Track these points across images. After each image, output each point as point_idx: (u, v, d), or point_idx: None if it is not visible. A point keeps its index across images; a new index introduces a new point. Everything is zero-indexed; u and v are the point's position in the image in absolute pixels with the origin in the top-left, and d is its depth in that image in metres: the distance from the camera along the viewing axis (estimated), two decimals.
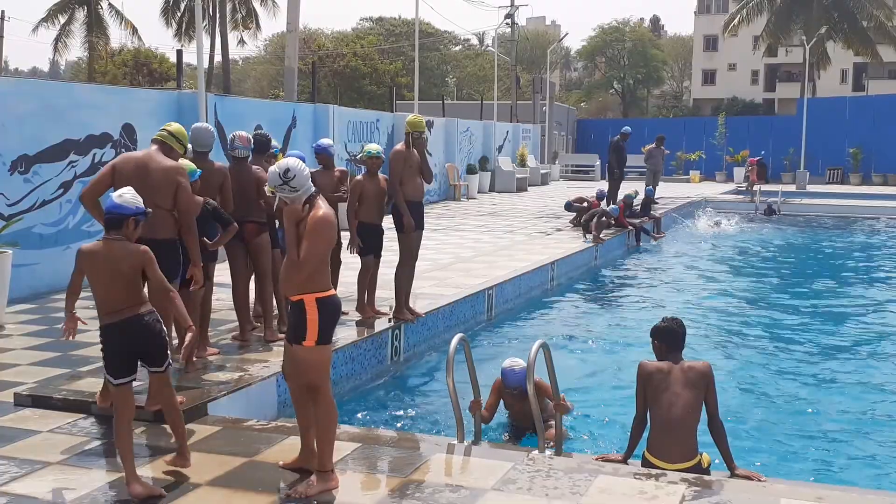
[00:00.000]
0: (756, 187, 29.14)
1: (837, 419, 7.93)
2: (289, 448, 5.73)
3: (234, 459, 5.50)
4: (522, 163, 33.24)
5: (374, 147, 9.10)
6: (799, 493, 5.15)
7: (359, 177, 9.07)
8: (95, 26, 47.09)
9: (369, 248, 9.15)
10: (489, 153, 30.54)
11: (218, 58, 47.96)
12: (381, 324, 9.06)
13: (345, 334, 8.68)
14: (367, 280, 9.24)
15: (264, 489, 5.07)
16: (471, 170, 28.28)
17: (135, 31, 48.57)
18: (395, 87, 38.78)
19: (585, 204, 19.00)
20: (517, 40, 46.06)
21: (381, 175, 9.12)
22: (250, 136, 8.47)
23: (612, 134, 27.26)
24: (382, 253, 9.39)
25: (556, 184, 36.26)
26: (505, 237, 17.31)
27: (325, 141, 9.26)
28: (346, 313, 9.21)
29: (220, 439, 5.88)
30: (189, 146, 7.12)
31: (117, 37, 64.33)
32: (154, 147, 6.59)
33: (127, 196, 5.08)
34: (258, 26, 50.43)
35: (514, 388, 6.77)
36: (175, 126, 6.71)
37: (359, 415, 7.68)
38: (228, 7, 46.99)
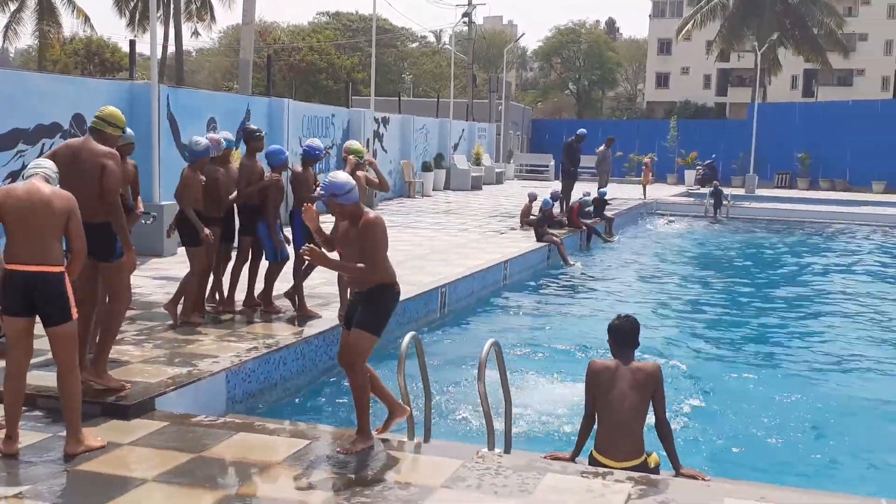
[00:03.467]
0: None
1: (782, 419, 8.07)
2: (237, 444, 5.70)
3: (181, 455, 5.45)
4: (478, 161, 33.33)
5: (356, 145, 9.08)
6: (743, 493, 5.24)
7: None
8: (47, 14, 46.13)
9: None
10: (445, 151, 30.58)
11: (171, 49, 47.36)
12: (331, 320, 9.02)
13: (293, 331, 8.65)
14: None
15: (211, 486, 5.03)
16: (426, 167, 28.29)
17: (87, 19, 47.62)
18: (351, 82, 38.67)
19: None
20: (474, 39, 46.13)
21: (360, 173, 9.06)
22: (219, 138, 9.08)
23: (567, 134, 27.41)
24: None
25: (510, 182, 36.41)
26: (459, 235, 17.35)
27: (317, 144, 9.28)
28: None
29: (166, 434, 5.82)
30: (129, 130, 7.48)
31: (69, 25, 62.94)
32: (88, 136, 6.67)
33: None
34: (213, 17, 49.84)
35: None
36: (107, 110, 6.75)
37: (308, 412, 7.66)
38: None
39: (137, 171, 8.74)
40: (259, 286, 9.41)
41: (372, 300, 5.74)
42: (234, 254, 9.41)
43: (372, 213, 5.70)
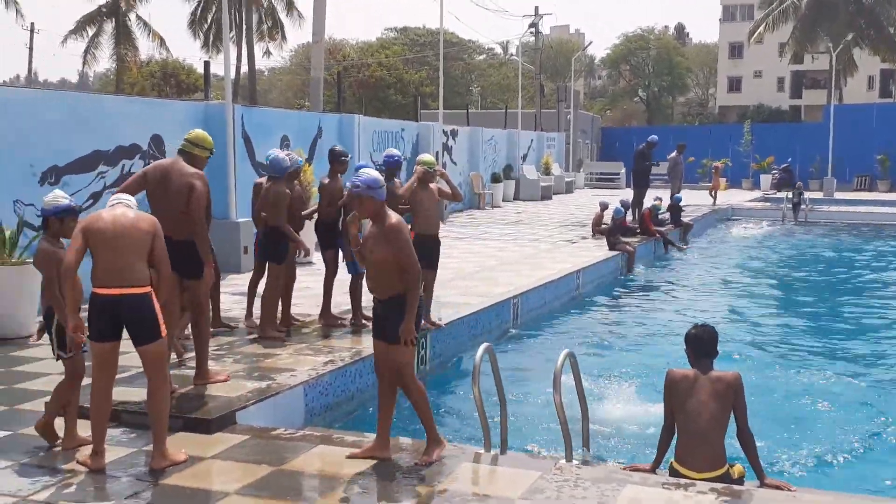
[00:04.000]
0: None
1: (870, 429, 7.84)
2: (316, 456, 5.75)
3: (261, 468, 5.52)
4: (547, 171, 33.20)
5: (428, 157, 9.10)
6: (827, 503, 5.10)
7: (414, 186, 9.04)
8: (124, 38, 47.54)
9: (425, 259, 9.09)
10: (513, 162, 30.54)
11: (244, 68, 48.30)
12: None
13: (370, 343, 8.69)
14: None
15: (292, 498, 5.09)
16: (495, 178, 28.28)
17: (162, 42, 48.95)
18: (419, 96, 38.87)
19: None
20: (541, 49, 46.05)
21: (433, 185, 9.06)
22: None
23: (637, 142, 27.21)
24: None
25: (580, 192, 36.18)
26: (530, 245, 17.29)
27: (395, 152, 9.34)
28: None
29: (247, 448, 5.91)
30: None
31: (145, 48, 64.88)
32: (178, 157, 7.04)
33: (47, 198, 5.85)
34: (283, 37, 50.65)
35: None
36: (193, 133, 7.14)
37: None
38: (255, 18, 47.29)
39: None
40: (337, 300, 9.55)
41: (395, 308, 5.59)
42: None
43: (395, 217, 5.57)
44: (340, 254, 9.44)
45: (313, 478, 5.44)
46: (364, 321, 9.17)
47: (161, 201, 6.74)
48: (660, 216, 20.34)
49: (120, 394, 6.24)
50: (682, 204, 21.71)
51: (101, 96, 14.30)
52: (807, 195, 28.81)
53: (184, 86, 51.42)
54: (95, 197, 11.51)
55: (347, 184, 5.53)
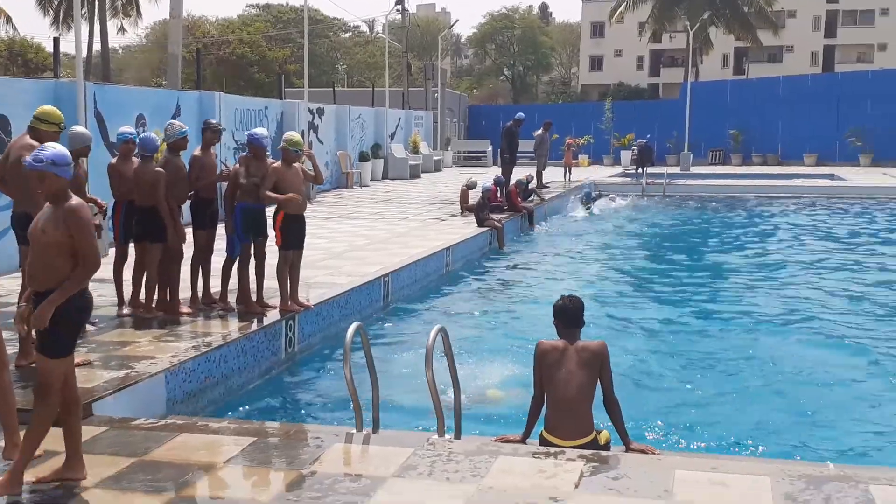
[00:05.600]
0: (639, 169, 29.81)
1: (726, 389, 8.15)
2: (180, 445, 5.54)
3: (122, 460, 5.28)
4: (415, 149, 33.20)
5: (296, 137, 8.85)
6: (693, 465, 5.25)
7: (276, 164, 8.79)
8: None
9: (295, 240, 8.91)
10: (381, 140, 30.39)
11: (97, 46, 46.37)
12: (274, 315, 8.86)
13: (235, 327, 8.48)
14: (287, 272, 9.00)
15: (156, 490, 4.87)
16: (363, 157, 28.08)
17: (9, 20, 46.31)
18: (283, 74, 38.18)
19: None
20: (408, 27, 45.91)
21: (297, 164, 8.87)
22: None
23: (504, 120, 27.48)
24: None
25: (449, 170, 36.36)
26: (400, 224, 17.23)
27: (260, 131, 9.05)
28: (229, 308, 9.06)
29: (105, 440, 5.64)
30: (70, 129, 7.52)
31: None
32: (25, 133, 7.02)
33: None
34: (139, 13, 48.92)
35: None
36: (40, 109, 7.07)
37: (254, 409, 7.51)
38: None
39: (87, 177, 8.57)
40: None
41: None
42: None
43: (76, 200, 4.81)
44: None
45: (177, 467, 5.23)
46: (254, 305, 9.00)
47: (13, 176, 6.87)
48: (529, 187, 20.76)
49: None
50: (546, 181, 22.14)
51: None
52: (664, 170, 29.77)
53: (32, 65, 48.87)
54: None
55: (28, 158, 4.90)
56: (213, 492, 5.00)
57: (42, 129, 6.88)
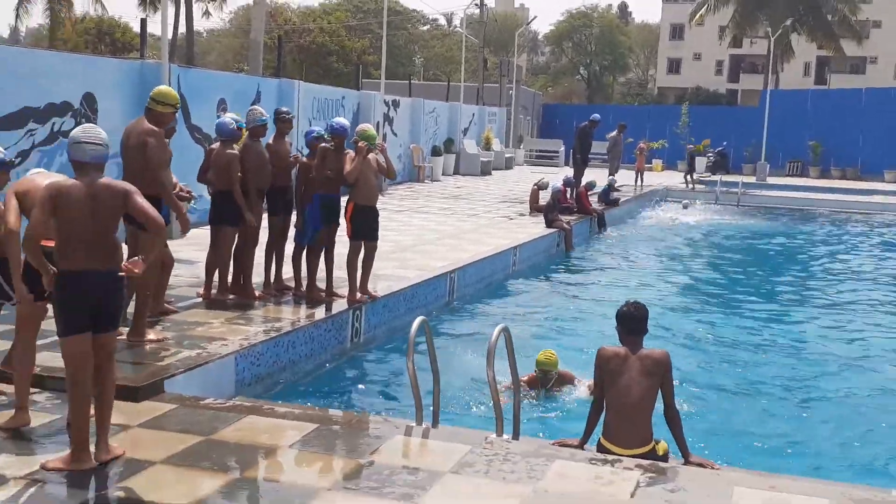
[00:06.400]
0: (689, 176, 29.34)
1: (792, 408, 8.05)
2: (246, 427, 5.70)
3: (189, 437, 5.45)
4: (488, 146, 33.21)
5: (370, 131, 8.98)
6: (752, 482, 5.22)
7: (348, 153, 8.92)
8: None
9: (367, 230, 9.06)
10: (454, 135, 30.47)
11: (182, 29, 47.26)
12: (341, 305, 9.01)
13: (304, 314, 8.65)
14: (357, 263, 9.15)
15: (220, 468, 5.03)
16: (436, 151, 28.19)
17: None
18: (361, 64, 38.52)
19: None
20: (486, 22, 45.91)
21: (371, 156, 8.98)
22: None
23: (578, 120, 27.28)
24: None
25: (520, 168, 36.30)
26: (468, 220, 17.30)
27: (342, 121, 9.14)
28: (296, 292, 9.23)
29: (175, 417, 5.82)
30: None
31: (80, 4, 63.13)
32: (142, 116, 7.29)
33: None
34: None
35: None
36: (156, 90, 7.33)
37: (318, 395, 7.66)
38: None
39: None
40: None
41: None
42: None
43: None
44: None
45: (241, 448, 5.39)
46: (321, 293, 9.15)
47: (124, 160, 7.22)
48: (612, 196, 20.87)
49: (44, 359, 6.09)
50: (618, 185, 22.07)
51: (32, 51, 13.85)
52: (740, 179, 29.22)
53: (119, 44, 50.18)
54: (23, 155, 11.16)
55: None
56: (275, 475, 5.14)
57: (158, 111, 7.12)
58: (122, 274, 4.88)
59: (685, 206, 24.36)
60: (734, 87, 72.98)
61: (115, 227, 4.93)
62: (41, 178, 5.48)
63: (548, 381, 7.89)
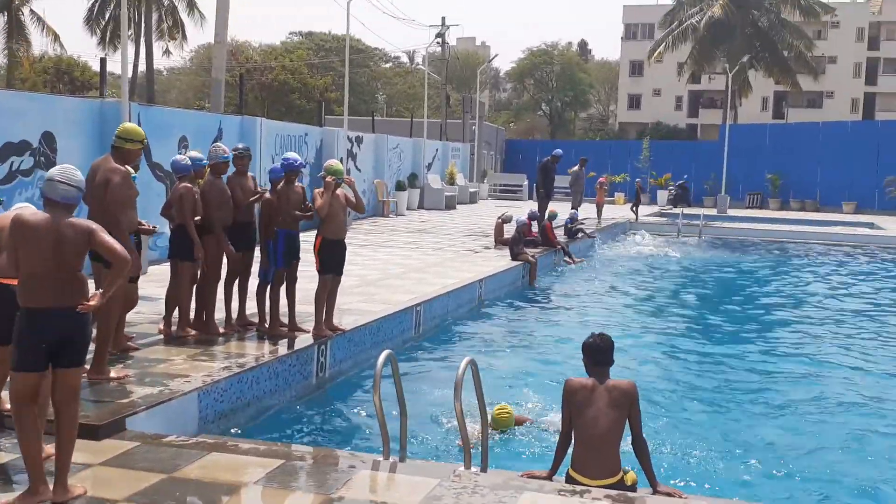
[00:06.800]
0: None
1: (759, 437, 8.08)
2: (210, 464, 5.60)
3: (152, 475, 5.35)
4: (452, 181, 33.36)
5: (338, 166, 9.00)
6: None
7: (317, 190, 8.95)
8: (16, 32, 45.76)
9: (334, 264, 9.05)
10: (418, 170, 30.59)
11: (142, 67, 47.21)
12: (306, 340, 8.94)
13: (268, 349, 8.56)
14: (325, 298, 9.12)
15: None
16: (400, 186, 28.26)
17: (57, 38, 47.22)
18: (324, 101, 38.63)
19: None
20: (447, 60, 46.31)
21: (339, 191, 9.00)
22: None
23: (541, 155, 27.49)
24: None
25: (484, 202, 36.47)
26: (433, 254, 17.30)
27: (294, 155, 9.16)
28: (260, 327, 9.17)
29: (137, 455, 5.71)
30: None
31: (39, 44, 62.81)
32: (108, 155, 7.25)
33: None
34: (184, 37, 49.55)
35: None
36: (121, 127, 7.31)
37: (282, 431, 7.56)
38: (154, 17, 46.23)
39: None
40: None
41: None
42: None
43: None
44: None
45: (205, 486, 5.29)
46: (283, 328, 9.11)
47: (88, 197, 6.88)
48: (575, 227, 21.07)
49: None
50: (580, 217, 22.27)
51: None
52: (700, 212, 29.57)
53: (78, 83, 49.89)
54: None
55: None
56: None
57: (127, 148, 7.12)
58: (93, 309, 4.81)
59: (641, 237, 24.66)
60: (694, 121, 74.10)
61: (79, 265, 4.89)
62: (26, 213, 5.38)
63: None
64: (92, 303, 4.75)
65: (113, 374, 7.07)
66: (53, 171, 4.94)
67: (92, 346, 6.95)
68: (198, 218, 8.61)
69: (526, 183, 39.93)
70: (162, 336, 8.72)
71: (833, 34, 69.63)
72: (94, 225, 4.90)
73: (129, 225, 7.12)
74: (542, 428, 7.85)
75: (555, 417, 7.55)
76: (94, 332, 6.93)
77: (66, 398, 4.88)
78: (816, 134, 41.72)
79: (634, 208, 30.33)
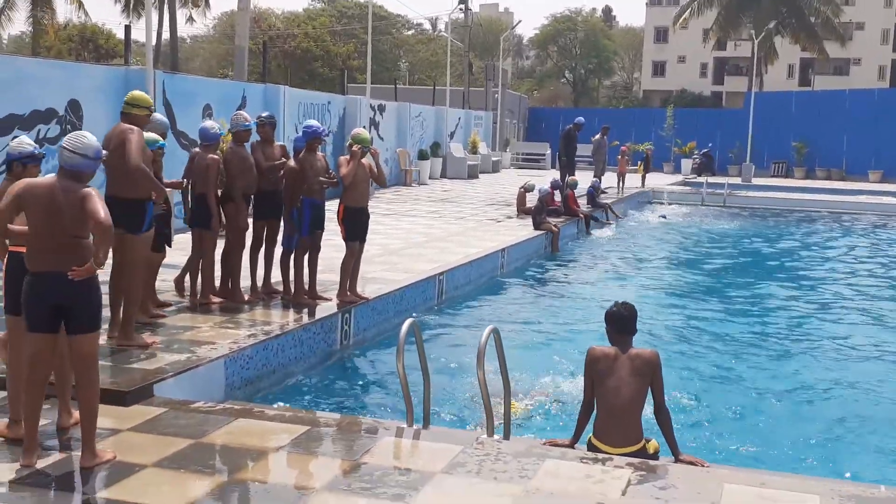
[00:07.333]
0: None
1: (781, 406, 8.09)
2: (236, 430, 5.69)
3: (179, 441, 5.44)
4: (474, 149, 33.26)
5: (365, 135, 9.01)
6: (742, 479, 5.24)
7: (342, 158, 8.99)
8: (41, 1, 45.89)
9: (360, 231, 9.10)
10: (441, 139, 30.51)
11: (166, 35, 47.20)
12: (330, 308, 9.00)
13: (293, 317, 8.64)
14: (352, 265, 9.18)
15: (211, 471, 5.02)
16: (422, 155, 28.21)
17: (81, 5, 47.27)
18: (346, 69, 38.54)
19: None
20: (470, 26, 46.00)
21: (365, 160, 9.02)
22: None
23: (564, 123, 27.38)
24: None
25: (507, 171, 36.36)
26: (456, 223, 17.32)
27: (315, 123, 9.16)
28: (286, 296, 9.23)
29: (164, 421, 5.80)
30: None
31: (63, 11, 62.89)
32: (120, 122, 7.35)
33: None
34: (207, 4, 49.47)
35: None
36: (129, 95, 7.45)
37: (307, 398, 7.65)
38: None
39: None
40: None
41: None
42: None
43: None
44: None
45: (231, 451, 5.38)
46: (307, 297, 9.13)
47: (106, 165, 6.98)
48: (598, 198, 21.00)
49: None
50: (603, 186, 22.17)
51: (15, 58, 13.80)
52: (725, 180, 29.33)
53: (102, 51, 50.02)
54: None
55: None
56: (265, 477, 5.12)
57: (134, 114, 7.28)
58: (85, 276, 4.82)
59: (663, 217, 24.39)
60: (719, 89, 73.32)
61: (80, 231, 4.90)
62: (33, 180, 5.45)
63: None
64: (82, 269, 4.82)
65: (145, 339, 7.17)
66: (65, 138, 5.03)
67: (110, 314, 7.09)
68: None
69: (549, 152, 39.73)
70: (189, 304, 8.80)
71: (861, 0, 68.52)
72: (89, 190, 4.90)
73: (151, 184, 7.16)
74: (560, 400, 7.89)
75: (577, 386, 7.60)
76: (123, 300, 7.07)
77: (79, 367, 4.98)
78: (843, 102, 41.16)
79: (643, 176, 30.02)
